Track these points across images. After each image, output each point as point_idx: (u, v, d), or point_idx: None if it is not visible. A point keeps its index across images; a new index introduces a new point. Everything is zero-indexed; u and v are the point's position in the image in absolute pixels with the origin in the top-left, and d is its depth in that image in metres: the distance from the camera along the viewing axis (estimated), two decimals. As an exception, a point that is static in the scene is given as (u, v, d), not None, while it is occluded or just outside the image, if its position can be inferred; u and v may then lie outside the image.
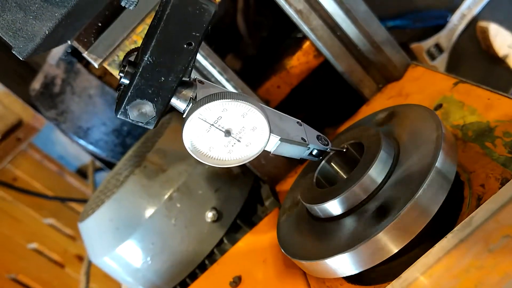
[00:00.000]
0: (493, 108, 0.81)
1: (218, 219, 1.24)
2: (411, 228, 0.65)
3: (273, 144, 0.70)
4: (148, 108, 0.63)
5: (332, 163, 0.81)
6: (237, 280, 1.02)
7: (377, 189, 0.70)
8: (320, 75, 1.28)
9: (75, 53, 1.59)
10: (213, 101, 0.63)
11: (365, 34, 1.10)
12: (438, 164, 0.65)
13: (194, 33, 0.58)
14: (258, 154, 0.69)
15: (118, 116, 0.64)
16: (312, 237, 0.75)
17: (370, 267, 0.68)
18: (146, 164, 1.23)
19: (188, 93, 0.65)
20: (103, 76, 1.61)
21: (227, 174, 1.29)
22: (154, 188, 1.21)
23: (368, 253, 0.66)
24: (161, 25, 0.57)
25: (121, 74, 0.62)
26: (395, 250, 0.65)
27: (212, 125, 0.65)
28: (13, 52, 0.67)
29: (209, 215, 1.22)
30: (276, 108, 0.82)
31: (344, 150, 0.79)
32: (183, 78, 0.64)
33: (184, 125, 0.64)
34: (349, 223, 0.71)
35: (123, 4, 0.57)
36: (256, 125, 0.66)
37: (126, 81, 0.62)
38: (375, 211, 0.68)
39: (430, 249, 0.65)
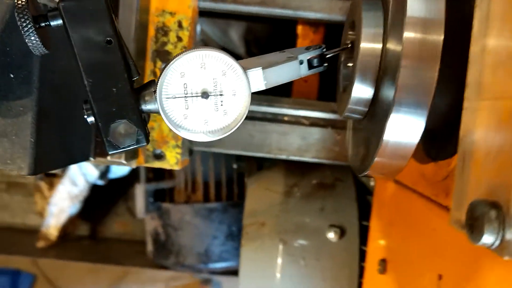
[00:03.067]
0: None
1: (342, 233, 1.11)
2: (429, 42, 0.53)
3: (260, 78, 0.63)
4: (125, 126, 0.61)
5: (348, 65, 0.71)
6: (382, 264, 0.85)
7: (383, 49, 0.60)
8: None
9: (157, 197, 1.68)
10: (165, 72, 0.59)
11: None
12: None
13: (104, 28, 0.58)
14: (250, 96, 0.62)
15: (110, 153, 0.63)
16: (372, 139, 0.62)
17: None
18: (247, 230, 1.17)
19: (150, 89, 0.62)
20: (188, 199, 1.65)
21: (321, 189, 1.18)
22: (265, 244, 1.13)
23: (414, 92, 0.53)
24: (71, 42, 0.58)
25: (85, 117, 0.62)
26: (435, 72, 0.52)
27: (185, 96, 0.61)
28: (22, 174, 0.71)
29: (331, 235, 1.10)
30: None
31: (349, 46, 0.70)
32: (134, 77, 0.62)
33: (164, 117, 0.61)
34: (384, 93, 0.59)
35: (34, 52, 0.60)
36: (223, 68, 0.61)
37: (91, 118, 0.61)
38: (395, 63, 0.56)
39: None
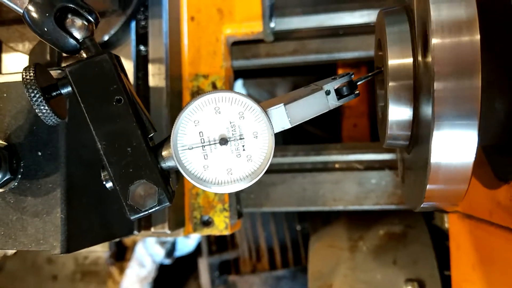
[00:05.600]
0: None
1: (422, 287, 0.96)
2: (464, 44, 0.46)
3: (283, 115, 0.57)
4: (145, 186, 0.57)
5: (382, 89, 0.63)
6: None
7: (415, 64, 0.53)
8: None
9: (223, 270, 1.61)
10: (177, 122, 0.55)
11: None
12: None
13: (112, 88, 0.56)
14: (273, 136, 0.56)
15: (132, 219, 0.58)
16: (421, 165, 0.53)
17: None
18: (314, 296, 1.06)
19: (168, 145, 0.58)
20: (254, 268, 1.56)
21: (391, 240, 1.06)
22: (335, 310, 1.01)
23: (455, 102, 0.45)
24: (82, 105, 0.56)
25: (104, 183, 0.58)
26: (477, 75, 0.44)
27: (203, 145, 0.56)
28: (54, 254, 0.68)
29: (409, 290, 0.96)
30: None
31: (381, 69, 0.63)
32: (150, 134, 0.58)
33: (182, 170, 0.56)
34: (424, 111, 0.51)
35: (47, 122, 0.58)
36: (240, 109, 0.55)
37: (110, 184, 0.58)
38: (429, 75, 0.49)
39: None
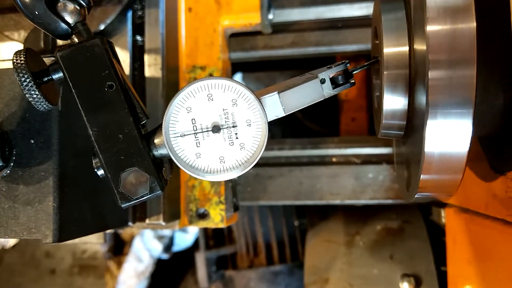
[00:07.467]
0: None
1: (418, 283, 0.96)
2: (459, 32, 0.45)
3: (277, 103, 0.56)
4: (136, 174, 0.56)
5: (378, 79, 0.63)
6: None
7: (411, 52, 0.52)
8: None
9: (220, 265, 1.60)
10: (169, 109, 0.54)
11: None
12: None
13: (104, 73, 0.55)
14: (267, 124, 0.55)
15: (123, 207, 0.57)
16: (415, 155, 0.52)
17: None
18: (309, 290, 1.05)
19: (160, 132, 0.57)
20: (252, 263, 1.55)
21: (388, 235, 1.05)
22: (331, 305, 1.00)
23: (449, 90, 0.44)
24: (73, 91, 0.55)
25: (96, 171, 0.58)
26: (472, 64, 0.43)
27: (195, 132, 0.55)
28: (46, 243, 0.67)
29: (405, 286, 0.95)
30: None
31: (378, 58, 0.62)
32: (142, 121, 0.58)
33: (174, 158, 0.55)
34: (419, 100, 0.50)
35: (38, 108, 0.57)
36: (233, 96, 0.55)
37: (101, 171, 0.57)
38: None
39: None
